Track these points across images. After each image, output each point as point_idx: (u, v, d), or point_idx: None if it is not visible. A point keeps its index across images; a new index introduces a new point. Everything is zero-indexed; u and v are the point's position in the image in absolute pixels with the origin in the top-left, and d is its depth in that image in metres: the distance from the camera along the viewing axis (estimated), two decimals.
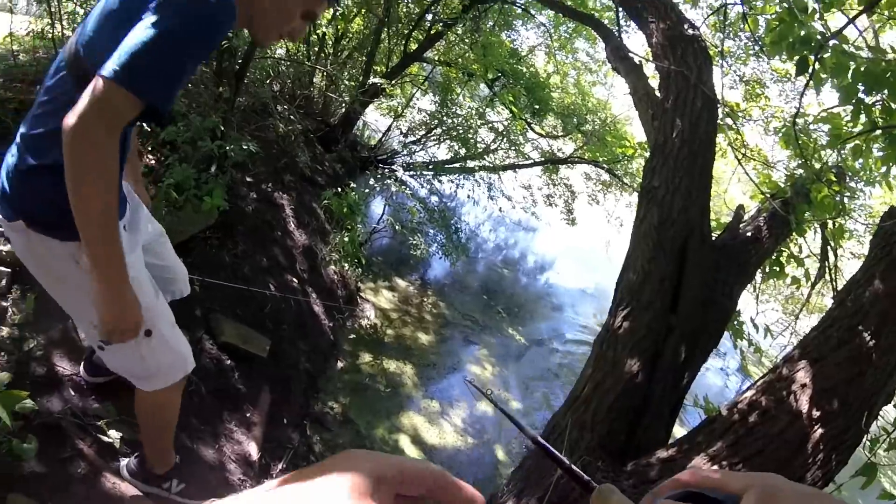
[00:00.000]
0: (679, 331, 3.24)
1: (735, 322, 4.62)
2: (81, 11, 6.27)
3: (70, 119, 1.25)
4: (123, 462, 2.48)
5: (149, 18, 1.27)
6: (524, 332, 8.15)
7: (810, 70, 2.81)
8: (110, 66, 1.24)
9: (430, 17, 8.65)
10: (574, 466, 0.57)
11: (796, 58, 2.83)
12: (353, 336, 5.99)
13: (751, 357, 5.56)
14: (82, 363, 2.73)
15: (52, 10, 6.00)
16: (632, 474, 2.65)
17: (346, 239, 6.30)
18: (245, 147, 4.37)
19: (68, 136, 1.25)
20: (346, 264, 6.39)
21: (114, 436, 2.62)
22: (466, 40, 9.75)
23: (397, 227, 7.64)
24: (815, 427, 2.49)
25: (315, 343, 5.17)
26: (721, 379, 8.22)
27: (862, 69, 2.61)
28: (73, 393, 2.70)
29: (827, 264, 4.71)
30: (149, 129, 4.01)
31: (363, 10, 8.91)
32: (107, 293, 1.46)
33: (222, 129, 4.23)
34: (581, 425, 3.09)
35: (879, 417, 2.76)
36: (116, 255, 1.44)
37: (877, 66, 2.57)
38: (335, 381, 5.15)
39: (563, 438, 3.04)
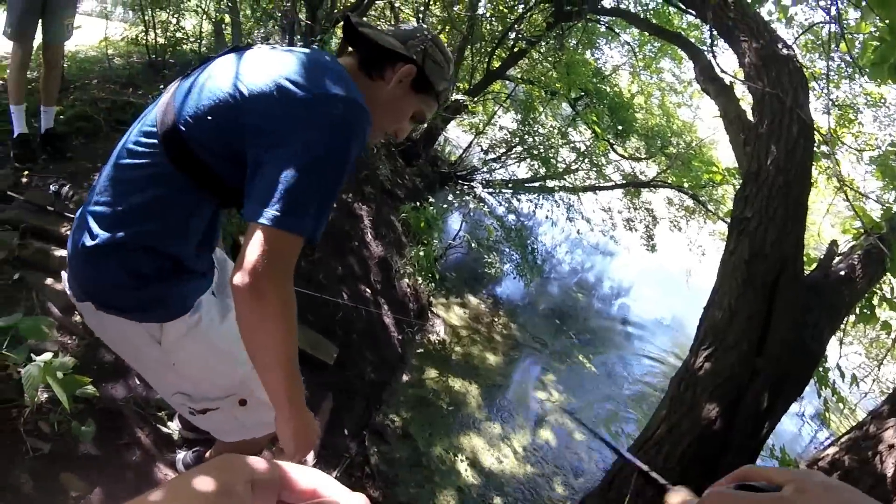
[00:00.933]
0: (764, 375, 3.02)
1: (821, 368, 4.27)
2: (174, 21, 6.66)
3: (246, 279, 1.16)
4: (180, 455, 2.51)
5: (292, 147, 1.19)
6: (595, 361, 7.88)
7: None
8: (271, 212, 1.16)
9: (513, 34, 8.62)
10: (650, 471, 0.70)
11: None
12: (420, 350, 5.96)
13: (831, 404, 5.12)
14: (177, 417, 2.73)
15: (146, 18, 6.40)
16: None
17: (422, 253, 6.32)
18: None
19: (251, 299, 1.18)
20: (419, 278, 6.39)
21: (173, 427, 2.67)
22: (550, 58, 9.68)
23: (473, 245, 7.59)
24: None
25: (382, 354, 5.17)
26: (795, 425, 7.64)
27: None
28: (137, 382, 2.78)
29: None
30: None
31: (447, 27, 8.99)
32: (293, 423, 1.38)
33: None
34: (651, 469, 2.92)
35: None
36: (299, 389, 1.36)
37: None
38: (399, 394, 5.12)
39: (630, 481, 2.88)
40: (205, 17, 7.21)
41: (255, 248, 1.16)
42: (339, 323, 4.64)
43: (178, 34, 6.86)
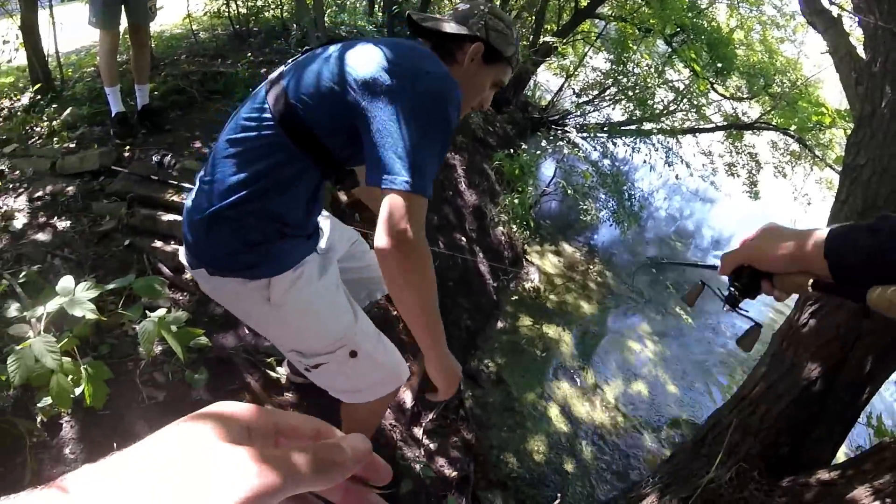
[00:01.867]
0: (871, 338, 2.83)
1: None
2: None
3: (391, 241, 1.29)
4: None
5: (403, 117, 1.32)
6: (692, 313, 7.59)
7: None
8: (400, 179, 1.29)
9: None
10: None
11: None
12: (515, 298, 5.97)
13: None
14: (286, 363, 2.87)
15: None
16: (786, 491, 2.50)
17: (516, 201, 6.25)
18: None
19: (399, 259, 1.30)
20: (514, 226, 6.35)
21: (281, 372, 2.80)
22: None
23: (568, 191, 7.42)
24: None
25: (477, 301, 5.21)
26: (893, 394, 7.12)
27: None
28: (246, 332, 2.92)
29: None
30: None
31: None
32: (439, 366, 1.54)
33: None
34: (745, 428, 2.90)
35: None
36: (442, 334, 1.51)
37: None
38: (493, 340, 5.19)
39: (724, 438, 2.79)
40: None
41: (393, 212, 1.28)
42: (435, 270, 4.68)
43: (259, 2, 6.95)
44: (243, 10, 6.87)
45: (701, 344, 7.08)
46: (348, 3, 8.26)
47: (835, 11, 4.01)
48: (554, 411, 4.68)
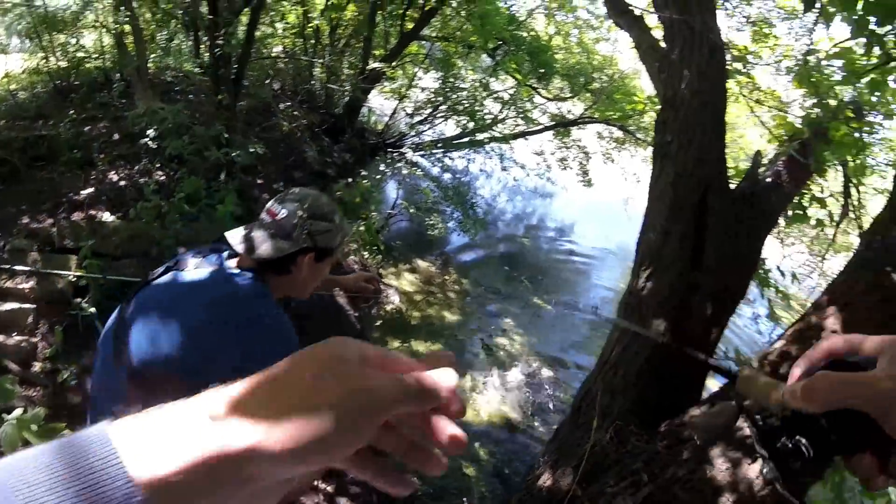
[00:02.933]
0: (704, 287, 3.20)
1: (761, 271, 4.53)
2: (73, 41, 6.38)
3: None
4: None
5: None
6: (550, 300, 8.17)
7: (818, 5, 2.71)
8: None
9: None
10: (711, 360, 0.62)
11: None
12: (379, 322, 6.07)
13: (779, 303, 5.48)
14: None
15: (45, 44, 6.10)
16: (665, 435, 2.65)
17: (363, 228, 6.37)
18: (252, 150, 4.42)
19: None
20: (365, 253, 6.46)
21: None
22: (462, 12, 9.60)
23: (413, 210, 7.66)
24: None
25: (343, 334, 5.24)
26: (752, 326, 8.15)
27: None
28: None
29: (850, 202, 4.56)
30: (154, 146, 4.08)
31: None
32: None
33: (227, 136, 4.28)
34: (612, 390, 3.08)
35: None
36: None
37: None
38: None
39: (595, 404, 3.07)
40: (104, 31, 6.88)
41: None
42: (293, 312, 4.69)
43: (80, 54, 6.57)
44: (63, 64, 6.44)
45: (564, 324, 7.61)
46: (172, 45, 7.98)
47: (637, 10, 4.55)
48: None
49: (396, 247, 7.96)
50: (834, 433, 0.59)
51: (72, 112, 5.37)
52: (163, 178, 4.17)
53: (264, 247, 1.55)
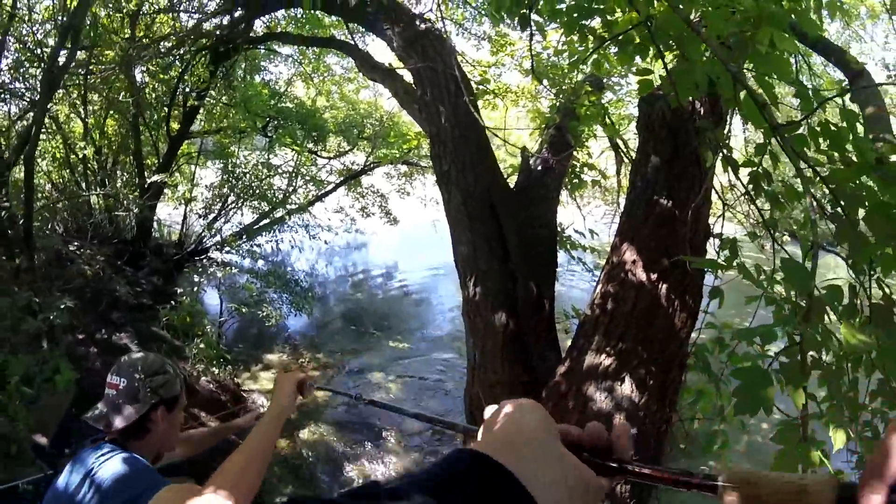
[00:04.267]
0: (521, 273, 3.74)
1: (564, 239, 5.16)
2: None
3: None
4: None
5: None
6: (405, 338, 8.47)
7: (532, 25, 3.25)
8: None
9: (180, 94, 8.40)
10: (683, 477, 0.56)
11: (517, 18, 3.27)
12: None
13: (599, 259, 6.23)
14: None
15: None
16: (549, 398, 3.02)
17: (202, 345, 6.15)
18: (64, 307, 4.16)
19: None
20: (214, 369, 6.23)
21: None
22: (224, 99, 9.63)
23: (242, 309, 7.52)
24: (659, 285, 3.01)
25: (227, 453, 5.04)
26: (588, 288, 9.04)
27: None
28: None
29: (622, 154, 5.30)
30: None
31: (110, 112, 8.45)
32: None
33: (37, 300, 3.99)
34: (489, 385, 3.48)
35: None
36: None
37: None
38: (268, 479, 5.09)
39: (481, 404, 3.40)
40: None
41: None
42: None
43: None
44: None
45: (425, 353, 7.89)
46: None
47: (386, 64, 4.98)
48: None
49: (241, 351, 7.74)
50: None
51: None
52: None
53: (118, 419, 1.69)
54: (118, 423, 1.67)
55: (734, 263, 2.05)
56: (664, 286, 3.01)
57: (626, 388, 2.70)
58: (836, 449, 1.35)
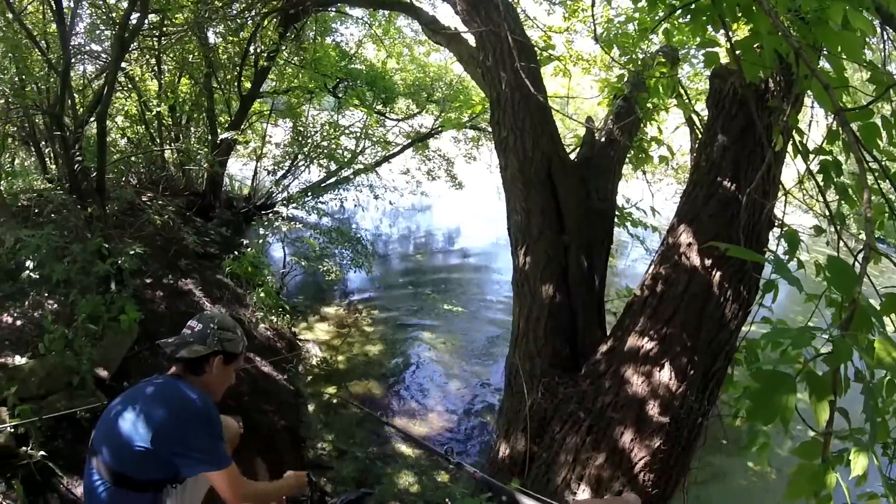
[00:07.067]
0: (574, 245, 3.67)
1: (625, 214, 5.02)
2: None
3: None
4: None
5: (193, 448, 1.99)
6: (461, 301, 8.55)
7: None
8: (215, 465, 2.02)
9: (252, 54, 8.61)
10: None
11: None
12: (310, 378, 6.13)
13: (658, 238, 6.09)
14: None
15: None
16: (587, 375, 3.01)
17: (262, 294, 6.40)
18: (133, 253, 4.40)
19: None
20: (273, 317, 6.49)
21: None
22: (295, 60, 9.78)
23: (304, 263, 7.76)
24: (714, 271, 2.91)
25: (279, 399, 5.29)
26: (643, 266, 8.85)
27: None
28: None
29: (696, 130, 5.08)
30: (37, 276, 3.99)
31: (184, 72, 8.78)
32: (280, 490, 2.40)
33: (106, 246, 4.25)
34: (529, 356, 3.46)
35: None
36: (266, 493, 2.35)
37: None
38: (314, 424, 5.30)
39: (520, 372, 3.41)
40: None
41: (227, 487, 2.03)
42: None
43: None
44: None
45: (477, 318, 8.01)
46: (15, 166, 7.54)
47: (451, 27, 4.93)
48: (403, 447, 5.00)
49: (300, 302, 8.01)
50: None
51: None
52: (55, 305, 4.07)
53: (185, 350, 2.09)
54: (184, 353, 2.07)
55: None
56: (718, 273, 2.90)
57: (665, 374, 2.64)
58: (853, 475, 1.26)
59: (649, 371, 2.67)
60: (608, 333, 3.38)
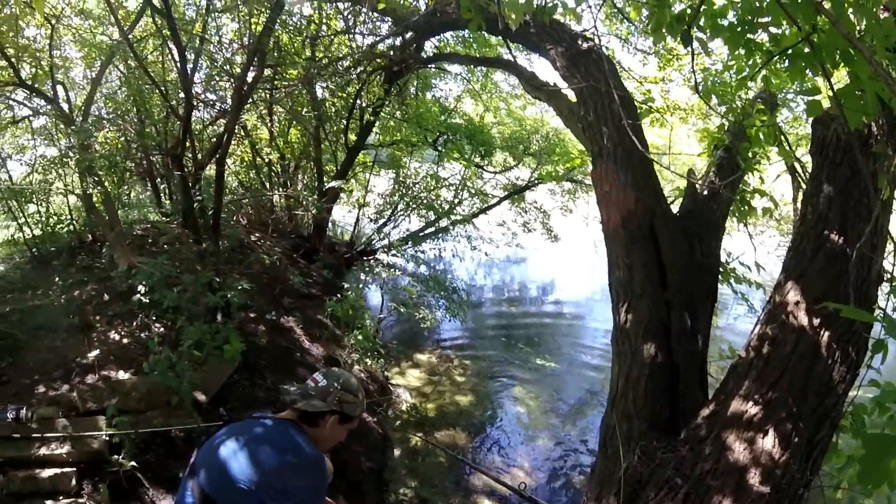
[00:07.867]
0: (676, 302, 3.52)
1: (729, 271, 4.79)
2: (44, 209, 6.70)
3: None
4: None
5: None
6: (554, 357, 8.39)
7: (694, 42, 3.13)
8: None
9: (357, 108, 9.16)
10: None
11: (679, 36, 3.16)
12: (398, 422, 6.20)
13: (762, 295, 5.78)
14: None
15: (16, 214, 6.38)
16: (686, 440, 2.85)
17: (360, 336, 6.61)
18: (241, 288, 4.71)
19: None
20: (367, 360, 6.67)
21: None
22: (398, 114, 10.29)
23: (401, 309, 7.96)
24: (822, 332, 2.71)
25: (368, 441, 5.38)
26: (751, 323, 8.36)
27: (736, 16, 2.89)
28: None
29: (799, 178, 4.85)
30: (147, 300, 4.34)
31: (293, 123, 9.46)
32: None
33: (217, 279, 4.58)
34: (627, 417, 3.32)
35: None
36: None
37: (750, 4, 2.83)
38: (398, 469, 5.34)
39: (617, 433, 3.27)
40: (72, 195, 7.16)
41: None
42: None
43: (52, 220, 6.86)
44: (37, 231, 6.67)
45: (571, 375, 7.82)
46: (132, 198, 8.35)
47: (551, 84, 5.04)
48: (483, 500, 4.95)
49: (394, 347, 8.18)
50: None
51: (57, 279, 5.58)
52: (162, 329, 4.42)
53: (304, 403, 2.10)
54: (302, 405, 2.09)
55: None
56: (827, 333, 2.70)
57: (769, 442, 2.46)
58: None
59: (752, 438, 2.50)
60: (710, 396, 3.22)
